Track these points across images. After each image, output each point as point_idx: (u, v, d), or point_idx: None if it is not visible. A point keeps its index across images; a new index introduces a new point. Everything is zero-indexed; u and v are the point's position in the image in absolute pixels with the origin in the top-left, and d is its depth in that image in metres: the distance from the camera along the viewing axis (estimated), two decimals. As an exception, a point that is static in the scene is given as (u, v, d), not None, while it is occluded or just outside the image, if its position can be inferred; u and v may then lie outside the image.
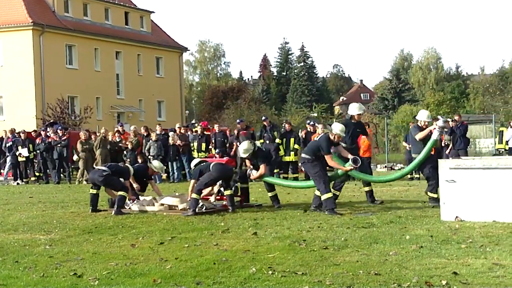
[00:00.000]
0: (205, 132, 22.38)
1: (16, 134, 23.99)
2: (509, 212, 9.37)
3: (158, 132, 22.94)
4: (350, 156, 11.40)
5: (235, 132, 21.96)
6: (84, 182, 22.43)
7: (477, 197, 9.63)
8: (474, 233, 8.48)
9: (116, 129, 24.94)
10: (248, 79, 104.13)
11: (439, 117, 11.71)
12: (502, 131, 21.95)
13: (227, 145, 22.24)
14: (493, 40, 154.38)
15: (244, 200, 12.91)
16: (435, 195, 11.49)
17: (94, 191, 12.43)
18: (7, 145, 23.75)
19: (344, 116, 63.01)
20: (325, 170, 11.52)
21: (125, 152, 22.46)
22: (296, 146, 20.78)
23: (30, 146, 23.65)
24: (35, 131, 25.01)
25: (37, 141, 23.75)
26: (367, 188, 12.65)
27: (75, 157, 23.51)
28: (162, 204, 12.30)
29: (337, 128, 11.48)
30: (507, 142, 20.90)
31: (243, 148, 12.34)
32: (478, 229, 8.80)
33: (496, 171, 9.58)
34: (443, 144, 19.63)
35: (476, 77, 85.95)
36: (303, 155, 11.78)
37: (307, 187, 12.64)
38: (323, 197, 11.14)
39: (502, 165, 9.59)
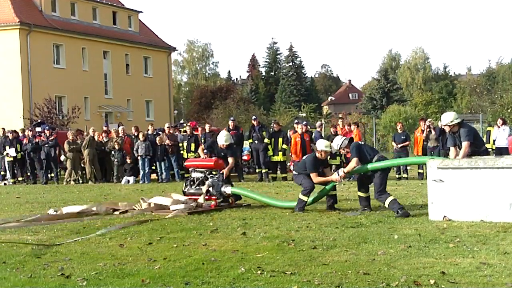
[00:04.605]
0: (194, 132, 22.33)
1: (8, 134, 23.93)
2: (496, 211, 9.42)
3: (150, 132, 22.87)
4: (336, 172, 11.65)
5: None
6: (72, 182, 22.36)
7: (464, 196, 9.68)
8: (462, 233, 8.52)
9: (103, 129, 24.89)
10: (236, 79, 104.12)
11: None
12: (490, 131, 22.05)
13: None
14: (479, 41, 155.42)
15: (234, 200, 12.92)
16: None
17: None
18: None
19: (333, 115, 63.17)
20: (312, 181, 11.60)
21: (112, 152, 22.39)
22: (284, 146, 20.81)
23: (18, 146, 23.54)
24: (14, 131, 24.69)
25: (24, 141, 23.64)
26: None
27: (62, 157, 23.41)
28: (150, 204, 12.29)
29: (322, 144, 11.73)
30: (494, 142, 21.00)
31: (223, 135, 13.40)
32: (465, 229, 8.85)
33: (484, 171, 9.63)
34: (430, 145, 19.71)
35: (463, 77, 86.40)
36: (293, 172, 12.15)
37: (276, 206, 12.17)
38: (300, 196, 11.49)
39: (490, 165, 9.64)
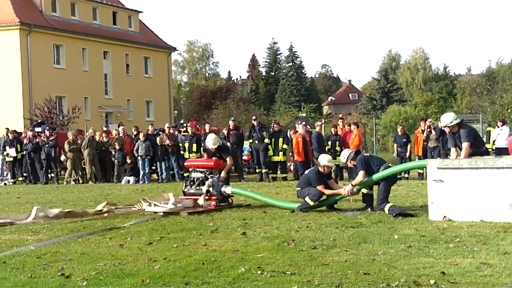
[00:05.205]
0: (195, 132, 22.28)
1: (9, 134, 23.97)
2: (496, 211, 9.42)
3: (150, 132, 22.86)
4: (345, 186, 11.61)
5: (225, 132, 21.92)
6: (72, 183, 22.35)
7: (464, 197, 9.68)
8: (462, 233, 8.52)
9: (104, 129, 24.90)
10: (236, 79, 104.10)
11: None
12: (489, 131, 22.01)
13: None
14: (479, 41, 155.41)
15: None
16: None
17: None
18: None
19: (333, 115, 63.16)
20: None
21: (113, 152, 22.39)
22: (284, 146, 20.81)
23: (18, 146, 23.54)
24: (15, 131, 24.66)
25: (25, 141, 23.64)
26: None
27: (62, 157, 23.41)
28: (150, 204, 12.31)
29: (324, 159, 11.69)
30: (494, 142, 20.98)
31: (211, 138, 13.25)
32: (466, 229, 8.84)
33: (484, 171, 9.63)
34: (430, 145, 19.71)
35: (463, 77, 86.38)
36: (297, 188, 11.94)
37: (276, 206, 12.14)
38: (306, 199, 11.40)
39: (490, 165, 9.64)
